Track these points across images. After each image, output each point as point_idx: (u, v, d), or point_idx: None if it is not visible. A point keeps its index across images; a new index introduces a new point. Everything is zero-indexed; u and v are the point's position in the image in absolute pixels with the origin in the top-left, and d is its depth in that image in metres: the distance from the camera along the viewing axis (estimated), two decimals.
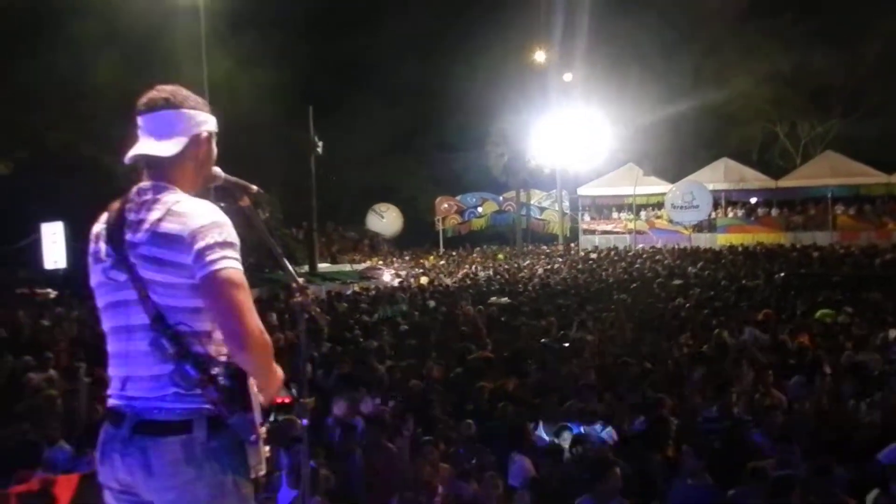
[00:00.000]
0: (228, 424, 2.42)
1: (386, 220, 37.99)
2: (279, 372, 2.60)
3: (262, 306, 15.76)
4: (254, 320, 2.38)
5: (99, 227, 2.57)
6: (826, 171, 31.08)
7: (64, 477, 4.39)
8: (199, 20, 20.95)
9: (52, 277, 19.95)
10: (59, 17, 23.78)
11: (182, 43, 21.95)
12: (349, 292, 20.46)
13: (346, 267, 30.17)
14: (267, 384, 2.56)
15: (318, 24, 34.94)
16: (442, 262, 30.90)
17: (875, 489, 5.48)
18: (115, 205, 2.55)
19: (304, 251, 28.97)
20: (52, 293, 18.63)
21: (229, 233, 2.44)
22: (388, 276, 26.38)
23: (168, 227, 2.41)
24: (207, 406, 2.41)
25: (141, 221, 2.45)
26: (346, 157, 34.55)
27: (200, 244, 2.37)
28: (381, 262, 31.62)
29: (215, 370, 2.41)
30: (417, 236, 38.96)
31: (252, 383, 2.49)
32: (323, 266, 29.58)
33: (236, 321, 2.35)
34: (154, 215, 2.44)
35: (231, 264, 2.39)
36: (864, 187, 31.02)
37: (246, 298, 2.39)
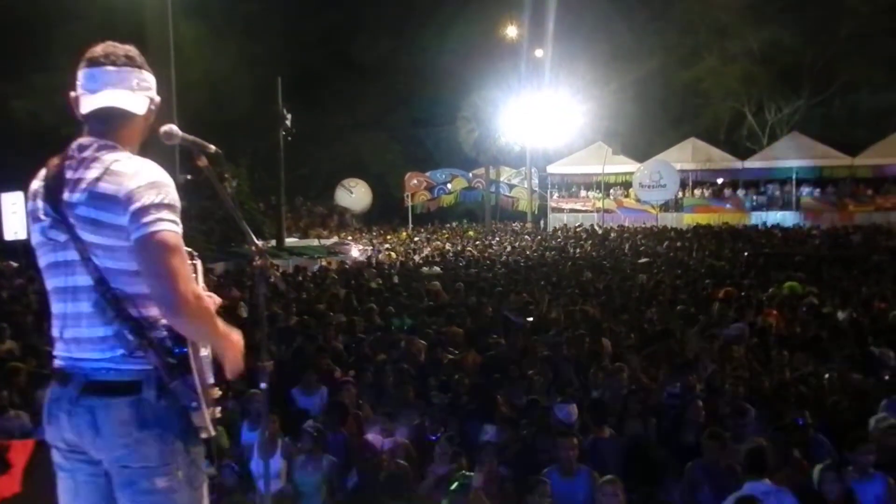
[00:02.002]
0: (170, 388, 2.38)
1: (355, 195, 37.79)
2: (235, 336, 2.57)
3: (228, 280, 15.68)
4: (186, 285, 2.33)
5: (37, 184, 2.48)
6: (791, 153, 31.45)
7: (19, 442, 4.33)
8: None
9: (13, 249, 19.57)
10: None
11: (149, 13, 21.50)
12: (316, 267, 20.37)
13: (314, 242, 30.02)
14: (221, 349, 2.53)
15: None
16: (417, 238, 30.86)
17: (821, 463, 5.60)
18: (54, 161, 2.46)
19: (272, 225, 28.74)
20: (14, 264, 18.30)
21: (168, 193, 2.37)
22: (355, 252, 26.31)
23: (105, 187, 2.33)
24: (155, 367, 2.38)
25: (79, 180, 2.37)
26: (316, 132, 34.25)
27: (136, 205, 2.30)
28: (349, 238, 31.50)
29: (155, 334, 2.37)
30: (386, 212, 38.86)
31: (198, 347, 2.45)
32: (290, 241, 29.40)
33: (166, 285, 2.30)
34: (92, 174, 2.36)
35: (166, 227, 2.32)
36: (827, 169, 31.47)
37: (180, 262, 2.33)
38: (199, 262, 2.67)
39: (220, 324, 2.51)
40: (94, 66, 2.45)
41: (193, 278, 2.38)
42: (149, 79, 2.53)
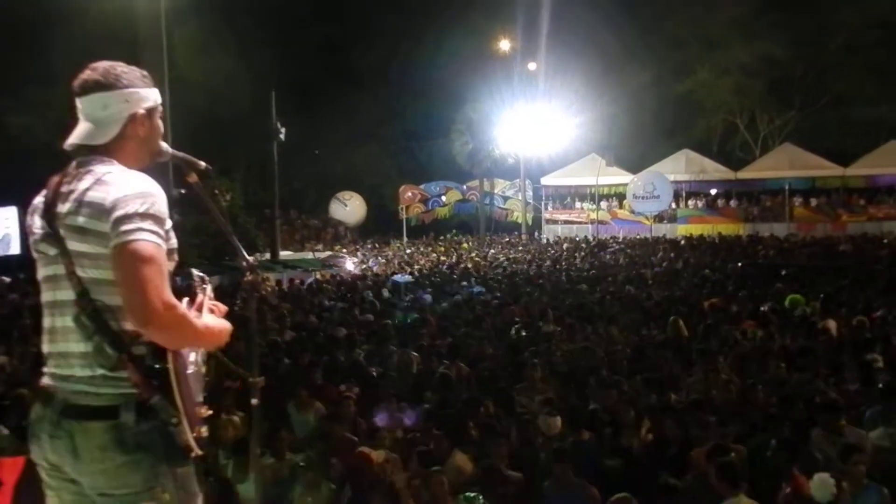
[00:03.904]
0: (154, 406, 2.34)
1: (349, 208, 37.79)
2: (219, 325, 2.56)
3: (223, 294, 15.65)
4: (157, 294, 2.27)
5: (38, 200, 2.51)
6: (784, 164, 31.61)
7: (9, 459, 4.29)
8: (160, 3, 20.52)
9: (6, 264, 19.53)
10: (15, 3, 23.21)
11: (143, 27, 21.55)
12: (311, 280, 20.36)
13: (309, 255, 30.00)
14: (210, 346, 2.54)
15: (284, 10, 34.56)
16: (409, 251, 30.86)
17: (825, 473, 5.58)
18: (55, 178, 2.49)
19: (266, 238, 28.70)
20: (6, 280, 18.25)
21: (154, 204, 2.35)
22: (350, 265, 26.31)
23: (93, 195, 2.35)
24: (134, 388, 2.33)
25: (71, 192, 2.39)
26: (310, 145, 34.29)
27: (119, 213, 2.29)
28: (343, 251, 31.49)
29: (136, 349, 2.34)
30: (381, 225, 38.87)
31: (185, 362, 2.42)
32: (285, 254, 29.37)
33: (137, 294, 2.25)
34: (84, 185, 2.38)
35: (144, 236, 2.29)
36: (819, 180, 31.61)
37: (153, 273, 2.27)
38: (208, 286, 2.66)
39: (204, 323, 2.48)
40: (76, 97, 2.50)
41: (167, 288, 2.32)
42: (124, 95, 2.48)
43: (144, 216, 2.31)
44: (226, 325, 2.60)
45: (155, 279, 2.28)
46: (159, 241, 2.33)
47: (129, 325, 2.34)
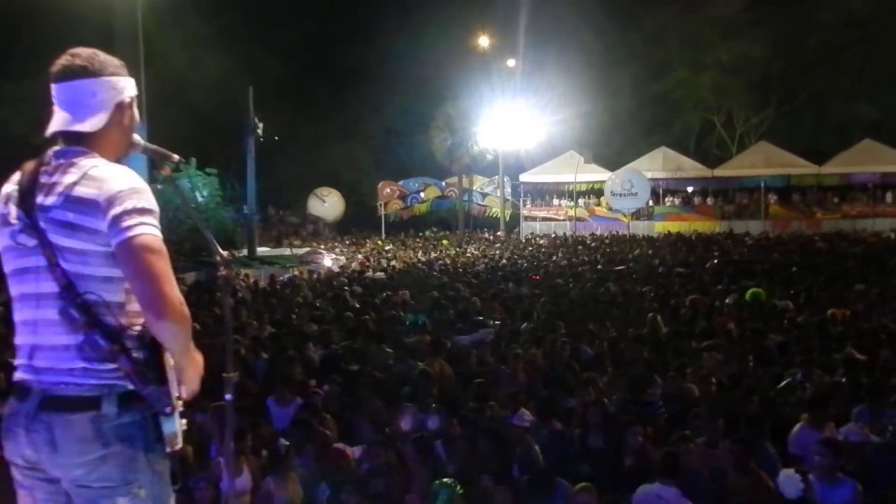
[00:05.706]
0: (142, 398, 2.33)
1: (328, 204, 37.64)
2: (199, 356, 2.54)
3: (200, 290, 15.54)
4: (172, 289, 2.30)
5: (10, 187, 2.44)
6: (759, 162, 31.91)
7: None
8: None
9: None
10: None
11: (119, 21, 21.37)
12: (287, 277, 20.23)
13: (286, 251, 29.83)
14: (186, 361, 2.48)
15: (264, 7, 34.39)
16: (389, 247, 30.78)
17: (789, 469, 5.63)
18: (29, 166, 2.43)
19: (244, 234, 28.50)
20: None
21: (147, 199, 2.35)
22: (328, 261, 26.18)
23: (83, 191, 2.30)
24: (118, 380, 2.32)
25: (54, 184, 2.34)
26: (289, 141, 34.13)
27: (117, 210, 2.28)
28: (321, 247, 31.34)
29: (127, 342, 2.33)
30: (359, 221, 38.79)
31: (168, 356, 2.41)
32: (262, 250, 29.18)
33: (153, 288, 2.26)
34: (69, 179, 2.33)
35: (148, 230, 2.30)
36: (795, 177, 31.93)
37: (164, 265, 2.30)
38: None
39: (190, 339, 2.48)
40: (54, 82, 2.43)
41: (175, 283, 2.34)
42: (112, 83, 2.46)
43: (142, 211, 2.32)
44: (202, 366, 2.58)
45: (167, 272, 2.31)
46: (160, 234, 2.34)
47: (123, 320, 2.34)
